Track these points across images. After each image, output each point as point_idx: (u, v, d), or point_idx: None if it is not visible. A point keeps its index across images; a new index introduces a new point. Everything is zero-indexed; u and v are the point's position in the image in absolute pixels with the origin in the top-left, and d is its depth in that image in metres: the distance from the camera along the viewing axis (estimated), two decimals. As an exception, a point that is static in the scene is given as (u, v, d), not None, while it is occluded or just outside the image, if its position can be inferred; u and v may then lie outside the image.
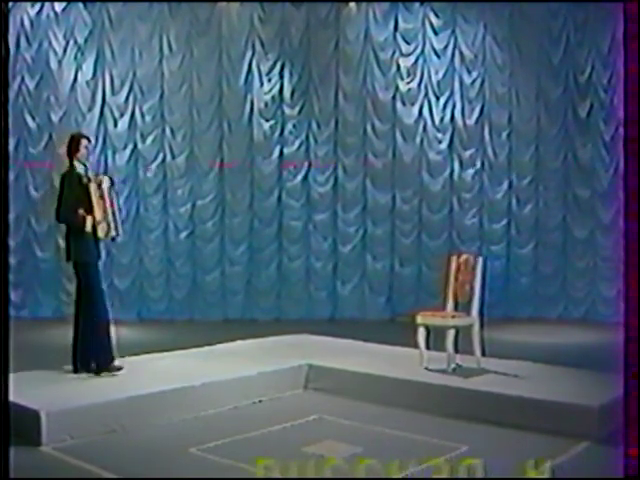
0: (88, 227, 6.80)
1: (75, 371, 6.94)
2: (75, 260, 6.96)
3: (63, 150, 7.11)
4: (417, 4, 12.68)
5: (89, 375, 6.87)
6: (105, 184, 6.96)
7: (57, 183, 11.77)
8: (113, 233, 6.99)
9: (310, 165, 12.70)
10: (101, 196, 6.88)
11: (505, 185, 12.83)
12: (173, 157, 12.44)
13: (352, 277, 12.81)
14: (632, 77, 3.30)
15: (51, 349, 9.46)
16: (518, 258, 12.81)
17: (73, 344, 7.01)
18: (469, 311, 7.29)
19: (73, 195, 6.82)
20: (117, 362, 6.96)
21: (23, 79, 11.97)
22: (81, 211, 6.79)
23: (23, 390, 5.81)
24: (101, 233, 6.88)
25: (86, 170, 7.04)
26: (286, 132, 12.68)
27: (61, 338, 10.63)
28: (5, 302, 3.84)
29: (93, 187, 6.83)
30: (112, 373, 6.83)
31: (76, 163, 6.97)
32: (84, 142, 7.01)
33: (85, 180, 6.88)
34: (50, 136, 12.16)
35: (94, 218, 6.81)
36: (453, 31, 12.70)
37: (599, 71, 12.37)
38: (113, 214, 6.97)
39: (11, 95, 11.59)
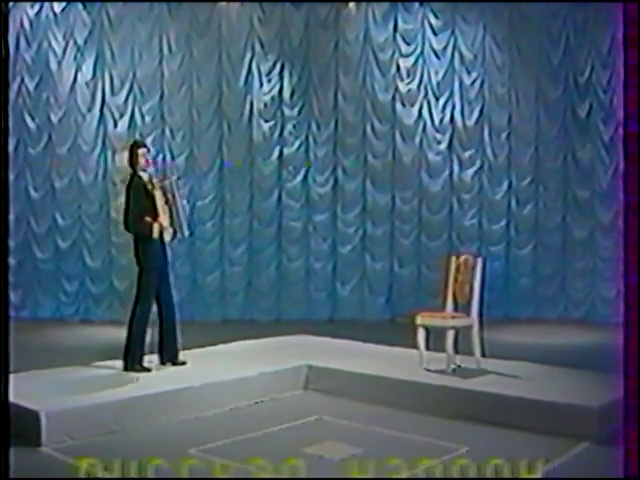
0: (155, 234, 6.97)
1: (161, 362, 7.28)
2: (141, 265, 7.14)
3: (124, 159, 7.23)
4: (416, 5, 12.68)
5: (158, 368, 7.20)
6: (170, 186, 7.08)
7: (57, 183, 12.14)
8: (179, 235, 7.16)
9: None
10: (166, 202, 7.01)
11: (505, 186, 12.83)
12: (173, 158, 12.44)
13: (352, 278, 12.80)
14: (632, 78, 3.30)
15: (51, 350, 9.49)
16: (518, 259, 12.81)
17: (158, 341, 7.30)
18: (469, 312, 7.29)
19: (139, 204, 6.93)
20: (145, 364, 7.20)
21: (23, 80, 11.98)
22: (148, 219, 6.93)
23: (23, 391, 5.81)
24: (168, 238, 7.05)
25: (150, 176, 7.13)
26: (286, 133, 12.68)
27: (61, 339, 10.71)
28: (5, 303, 3.83)
29: (158, 194, 6.95)
30: (138, 372, 7.04)
31: (139, 172, 7.04)
32: (141, 151, 7.07)
33: (150, 187, 6.97)
34: (50, 137, 12.17)
35: (160, 224, 6.94)
36: (453, 32, 12.70)
37: (599, 72, 12.37)
38: (178, 215, 7.09)
39: (11, 96, 11.60)
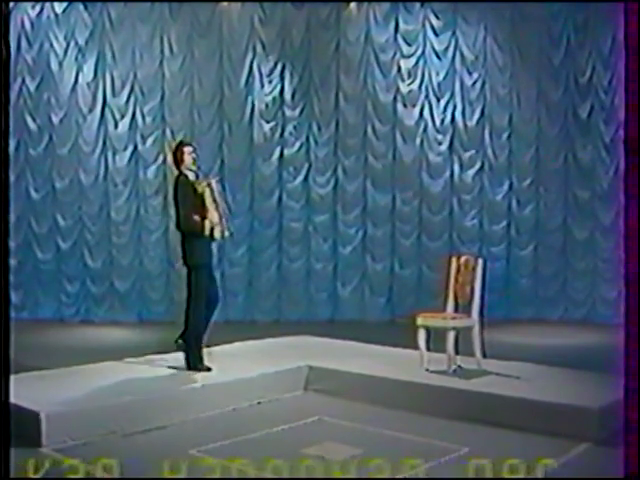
0: (207, 231, 7.01)
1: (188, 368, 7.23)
2: (189, 264, 7.13)
3: (170, 159, 7.41)
4: (417, 5, 12.68)
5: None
6: (214, 186, 7.15)
7: (57, 184, 12.14)
8: (226, 233, 7.22)
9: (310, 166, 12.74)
10: (214, 199, 7.09)
11: (505, 186, 12.83)
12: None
13: (352, 278, 12.80)
14: (633, 78, 3.30)
15: (51, 350, 9.49)
16: (518, 259, 12.81)
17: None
18: (469, 312, 7.29)
19: (189, 203, 7.01)
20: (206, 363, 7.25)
21: (24, 80, 11.98)
22: (196, 217, 6.99)
23: (23, 392, 5.81)
24: (218, 234, 7.10)
25: (196, 176, 7.24)
26: (286, 134, 12.68)
27: (61, 339, 10.72)
28: (6, 303, 3.83)
29: (207, 192, 7.02)
30: (201, 371, 7.13)
31: (185, 171, 7.15)
32: (186, 150, 7.19)
33: (199, 187, 7.05)
34: (50, 137, 12.18)
35: (211, 221, 7.00)
36: (454, 32, 12.70)
37: (599, 72, 12.37)
38: (222, 214, 7.16)
39: (12, 96, 11.58)
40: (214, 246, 11.78)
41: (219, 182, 7.33)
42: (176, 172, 7.23)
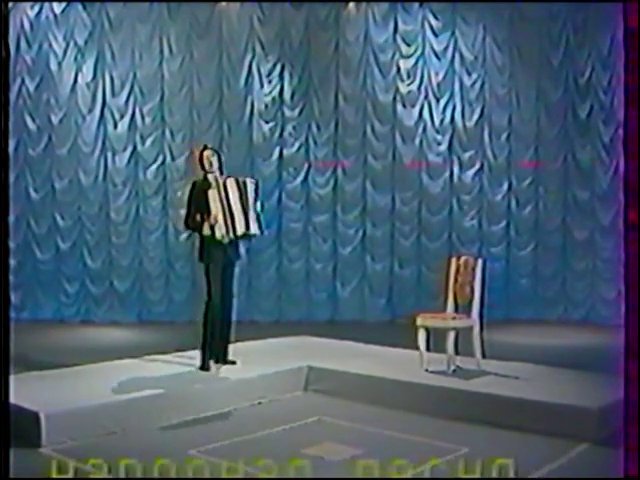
0: (205, 231, 7.14)
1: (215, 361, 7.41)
2: (203, 263, 7.30)
3: (194, 163, 7.58)
4: (416, 6, 12.68)
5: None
6: (229, 185, 7.22)
7: (57, 184, 12.14)
8: (252, 231, 7.30)
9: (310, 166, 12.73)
10: (227, 198, 7.17)
11: (505, 187, 12.83)
12: (173, 159, 12.44)
13: (352, 279, 12.80)
14: (632, 78, 3.30)
15: (51, 350, 9.49)
16: (518, 260, 12.81)
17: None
18: (469, 313, 7.29)
19: (195, 203, 7.22)
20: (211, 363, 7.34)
21: (23, 81, 11.98)
22: (198, 216, 7.16)
23: (23, 392, 5.80)
24: (218, 235, 7.12)
25: (220, 175, 7.32)
26: (286, 134, 12.68)
27: (61, 340, 10.71)
28: (5, 304, 3.84)
29: (211, 193, 7.14)
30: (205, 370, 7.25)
31: (207, 174, 7.30)
32: (205, 154, 7.37)
33: (205, 187, 7.18)
34: (50, 138, 12.17)
35: (211, 222, 7.09)
36: (453, 33, 12.70)
37: (599, 73, 12.36)
38: (245, 213, 7.22)
39: (11, 97, 11.60)
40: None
41: (244, 182, 7.30)
42: (201, 174, 7.34)
